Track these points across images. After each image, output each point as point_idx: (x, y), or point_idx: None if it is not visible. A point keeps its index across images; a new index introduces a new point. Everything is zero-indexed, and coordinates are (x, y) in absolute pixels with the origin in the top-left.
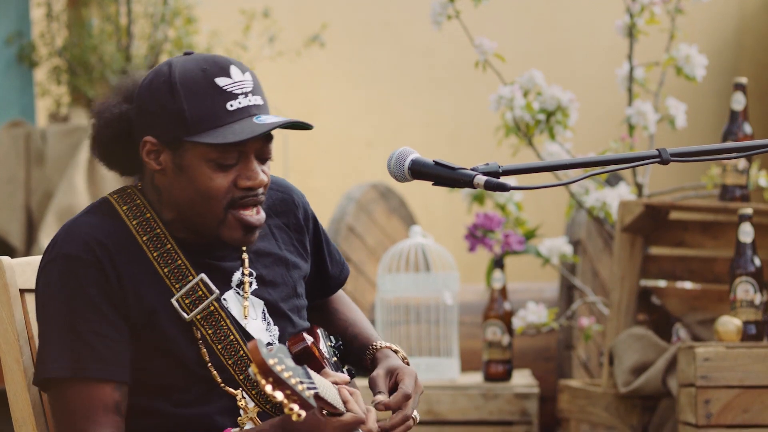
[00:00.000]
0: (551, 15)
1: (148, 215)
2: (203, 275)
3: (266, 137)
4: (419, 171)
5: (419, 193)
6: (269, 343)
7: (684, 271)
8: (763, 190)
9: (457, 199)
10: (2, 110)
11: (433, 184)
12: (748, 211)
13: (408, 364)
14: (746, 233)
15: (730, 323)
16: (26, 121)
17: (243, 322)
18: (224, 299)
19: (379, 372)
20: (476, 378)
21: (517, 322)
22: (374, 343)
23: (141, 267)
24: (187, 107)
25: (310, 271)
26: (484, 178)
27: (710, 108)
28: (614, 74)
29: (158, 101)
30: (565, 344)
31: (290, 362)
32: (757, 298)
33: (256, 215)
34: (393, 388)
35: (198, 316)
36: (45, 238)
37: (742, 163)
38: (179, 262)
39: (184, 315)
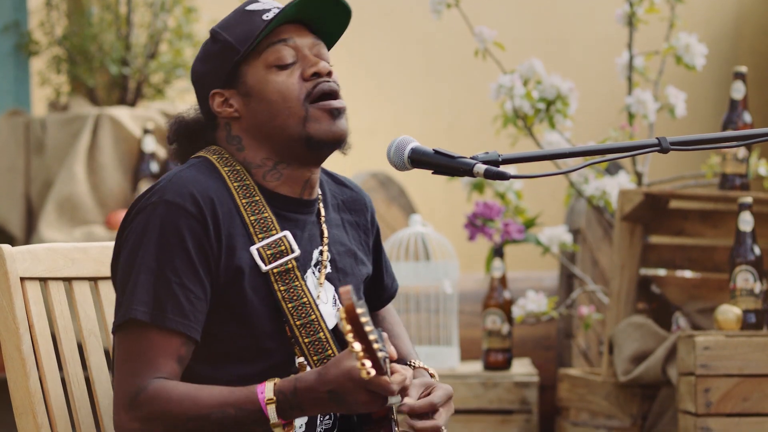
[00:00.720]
0: (551, 4)
1: (239, 168)
2: (287, 232)
3: (316, 35)
4: (419, 160)
5: (419, 181)
6: None
7: (684, 260)
8: (763, 179)
9: (457, 188)
10: None
11: (432, 173)
12: (748, 200)
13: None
14: (746, 222)
15: (729, 312)
16: (24, 111)
17: (315, 300)
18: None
19: (415, 382)
20: (476, 367)
21: (516, 311)
22: (413, 361)
23: (235, 221)
24: (229, 36)
25: (369, 275)
26: (484, 166)
27: (710, 97)
28: (614, 63)
29: (206, 55)
30: (564, 333)
31: (371, 320)
32: (757, 287)
33: (337, 101)
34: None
35: (275, 270)
36: (45, 226)
37: (741, 151)
38: (266, 214)
39: (262, 265)
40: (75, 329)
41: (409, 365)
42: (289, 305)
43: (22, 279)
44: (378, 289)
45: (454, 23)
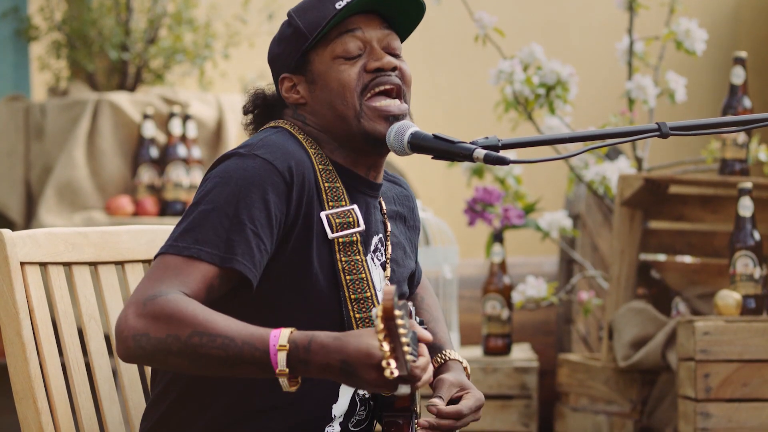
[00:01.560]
0: None
1: (311, 139)
2: (356, 206)
3: (387, 30)
4: (418, 144)
5: (418, 166)
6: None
7: (683, 245)
8: (763, 164)
9: (457, 173)
10: None
11: (432, 158)
12: (748, 185)
13: (468, 378)
14: (746, 207)
15: (729, 297)
16: (23, 96)
17: (373, 278)
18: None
19: (448, 378)
20: (475, 352)
21: (516, 296)
22: (448, 352)
23: (315, 187)
24: (301, 22)
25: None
26: (484, 151)
27: (709, 82)
28: (614, 48)
29: (280, 38)
30: (564, 318)
31: (407, 321)
32: (757, 272)
33: (394, 104)
34: (453, 401)
35: (340, 239)
36: (44, 212)
37: (741, 137)
38: (338, 184)
39: (329, 231)
40: (75, 314)
41: (443, 356)
42: (348, 277)
43: (22, 264)
44: (410, 278)
45: (454, 9)
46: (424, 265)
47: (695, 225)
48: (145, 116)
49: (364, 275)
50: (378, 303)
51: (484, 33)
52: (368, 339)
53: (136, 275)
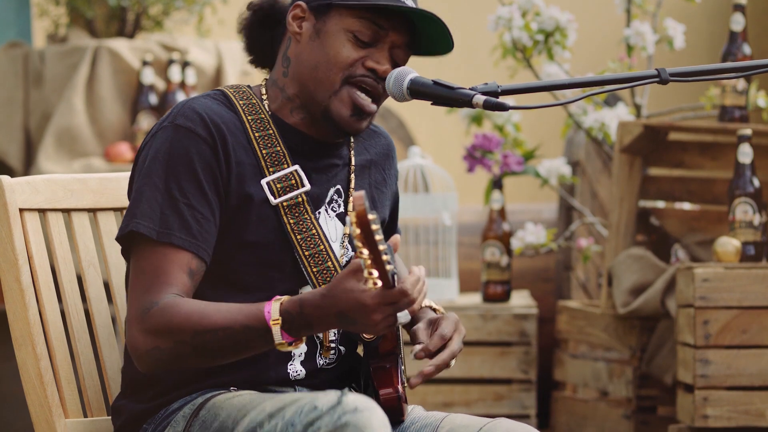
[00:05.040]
0: None
1: (254, 101)
2: (298, 167)
3: (406, 44)
4: (418, 90)
5: (418, 113)
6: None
7: (683, 192)
8: (762, 111)
9: (456, 120)
10: None
11: (431, 104)
12: (747, 131)
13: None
14: (745, 154)
15: (728, 244)
16: (24, 42)
17: (326, 233)
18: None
19: (419, 326)
20: (475, 299)
21: (515, 243)
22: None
23: (246, 152)
24: None
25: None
26: (483, 97)
27: (708, 29)
28: None
29: None
30: (563, 265)
31: (382, 235)
32: (756, 219)
33: (370, 103)
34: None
35: (284, 203)
36: (43, 159)
37: (741, 83)
38: (278, 148)
39: (272, 198)
40: (74, 260)
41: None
42: (298, 236)
43: (21, 210)
44: (390, 233)
45: None
46: (424, 212)
47: (694, 172)
48: (144, 63)
49: (314, 231)
50: (333, 252)
51: None
52: (350, 283)
53: None
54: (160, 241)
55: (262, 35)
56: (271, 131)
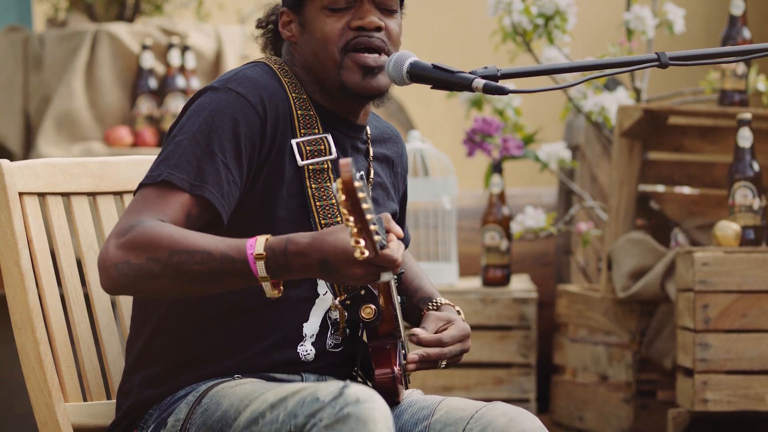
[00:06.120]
0: None
1: (297, 81)
2: (329, 135)
3: None
4: (418, 74)
5: (417, 97)
6: None
7: (683, 176)
8: (762, 95)
9: (456, 104)
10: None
11: (431, 88)
12: (747, 116)
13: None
14: (745, 138)
15: (728, 228)
16: (24, 26)
17: None
18: None
19: (436, 313)
20: (475, 283)
21: (515, 227)
22: (438, 299)
23: (289, 128)
24: None
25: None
26: (483, 81)
27: (708, 14)
28: None
29: None
30: (563, 249)
31: (370, 200)
32: (756, 203)
33: (375, 58)
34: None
35: (310, 167)
36: (43, 142)
37: (740, 67)
38: (311, 112)
39: (299, 158)
40: (74, 244)
41: (434, 303)
42: (318, 203)
43: (21, 194)
44: None
45: None
46: (424, 196)
47: (694, 156)
48: (144, 47)
49: (333, 201)
50: None
51: None
52: (342, 234)
53: None
54: (192, 193)
55: (276, 45)
56: (312, 112)
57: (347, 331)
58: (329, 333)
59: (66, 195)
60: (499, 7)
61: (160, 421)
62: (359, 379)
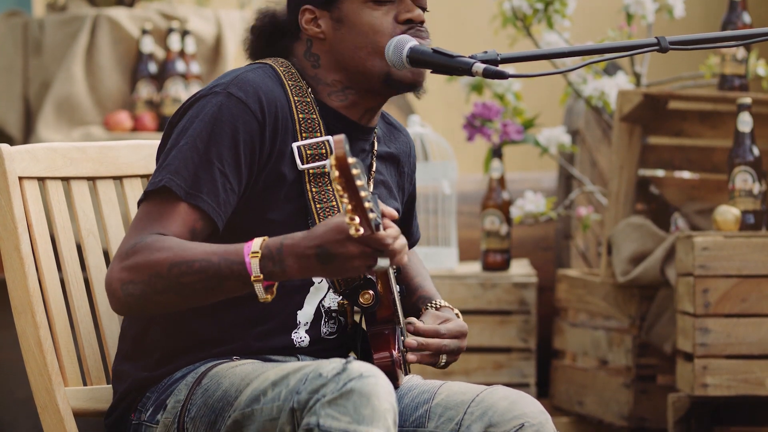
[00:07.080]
0: None
1: (302, 84)
2: (330, 137)
3: None
4: (418, 59)
5: None
6: None
7: (683, 161)
8: (762, 80)
9: (456, 89)
10: None
11: (431, 72)
12: (747, 100)
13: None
14: (745, 123)
15: (728, 213)
16: (23, 11)
17: None
18: None
19: (433, 312)
20: (474, 267)
21: (515, 212)
22: (437, 301)
23: (290, 134)
24: None
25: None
26: (483, 65)
27: None
28: None
29: None
30: (563, 234)
31: (364, 178)
32: (756, 188)
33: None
34: None
35: (311, 170)
36: (43, 127)
37: (740, 52)
38: (314, 115)
39: (299, 162)
40: (74, 229)
41: (434, 304)
42: (318, 205)
43: (21, 178)
44: (404, 234)
45: None
46: (423, 181)
47: (694, 140)
48: (144, 31)
49: (334, 203)
50: None
51: None
52: (335, 218)
53: (134, 190)
54: (187, 201)
55: (271, 50)
56: (314, 116)
57: (341, 319)
58: (323, 321)
59: (66, 179)
60: None
61: (159, 403)
62: None
